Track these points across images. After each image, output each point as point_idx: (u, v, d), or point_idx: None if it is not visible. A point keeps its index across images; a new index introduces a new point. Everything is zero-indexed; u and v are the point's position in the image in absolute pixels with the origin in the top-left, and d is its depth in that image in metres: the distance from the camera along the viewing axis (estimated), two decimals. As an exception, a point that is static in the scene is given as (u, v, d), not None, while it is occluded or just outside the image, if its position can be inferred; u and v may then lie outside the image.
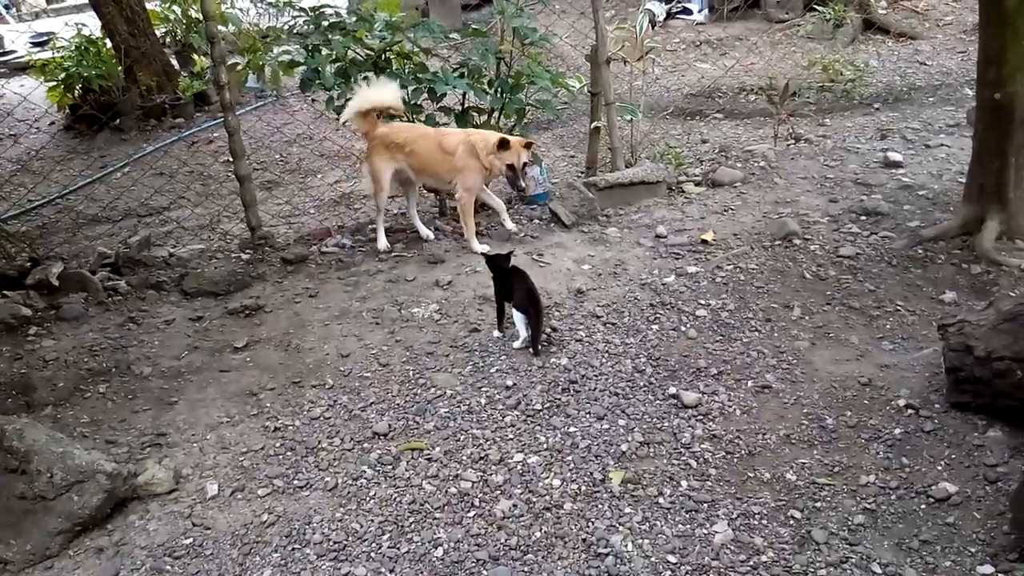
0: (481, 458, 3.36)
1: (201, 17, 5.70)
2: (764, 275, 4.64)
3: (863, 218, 5.18)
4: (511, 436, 3.48)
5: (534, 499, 3.13)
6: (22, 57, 11.32)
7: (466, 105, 5.99)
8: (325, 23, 5.62)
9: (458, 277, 4.83)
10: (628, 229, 5.37)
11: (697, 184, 6.04)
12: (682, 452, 3.34)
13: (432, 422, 3.61)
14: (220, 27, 5.85)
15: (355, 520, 3.10)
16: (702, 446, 3.36)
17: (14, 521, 3.05)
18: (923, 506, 2.95)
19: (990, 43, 4.56)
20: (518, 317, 4.05)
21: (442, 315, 4.48)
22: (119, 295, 4.98)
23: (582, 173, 6.49)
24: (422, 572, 2.85)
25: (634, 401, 3.66)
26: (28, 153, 8.32)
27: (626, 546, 2.88)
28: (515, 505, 3.10)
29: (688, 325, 4.22)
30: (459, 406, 3.70)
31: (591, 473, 3.24)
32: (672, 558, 2.83)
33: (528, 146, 5.01)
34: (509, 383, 3.82)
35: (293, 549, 2.99)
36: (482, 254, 4.38)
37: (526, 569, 2.83)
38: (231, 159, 5.69)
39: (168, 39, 10.25)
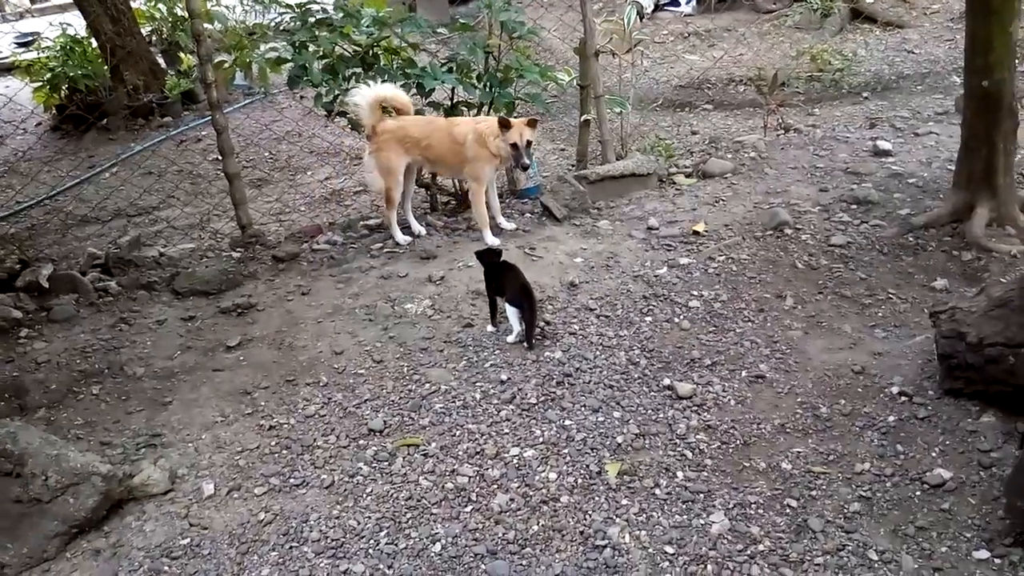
0: (477, 453, 3.36)
1: (187, 15, 5.65)
2: (756, 265, 4.65)
3: (854, 207, 5.20)
4: (507, 430, 3.48)
5: (531, 493, 3.13)
6: (7, 58, 11.21)
7: (455, 100, 5.98)
8: (312, 19, 5.58)
9: (450, 272, 4.82)
10: (620, 221, 5.37)
11: (688, 175, 6.04)
12: (677, 443, 3.35)
13: (427, 418, 3.61)
14: (206, 25, 5.82)
15: (352, 517, 3.10)
16: (697, 437, 3.37)
17: (10, 525, 3.03)
18: (918, 493, 2.97)
19: (977, 31, 4.58)
20: (511, 311, 4.04)
21: (435, 311, 4.47)
22: (110, 296, 4.96)
23: (572, 166, 6.48)
24: (420, 568, 2.85)
25: (629, 393, 3.66)
26: (15, 155, 8.27)
27: (623, 538, 2.89)
28: (512, 499, 3.10)
29: (681, 316, 4.23)
30: (454, 401, 3.70)
31: (587, 466, 3.24)
32: (670, 549, 2.84)
33: (532, 124, 4.99)
34: (504, 377, 3.82)
35: (291, 547, 2.98)
36: (475, 253, 4.37)
37: (524, 563, 2.83)
38: (220, 157, 5.66)
39: (154, 38, 10.18)
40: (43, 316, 4.76)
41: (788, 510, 2.97)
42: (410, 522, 3.05)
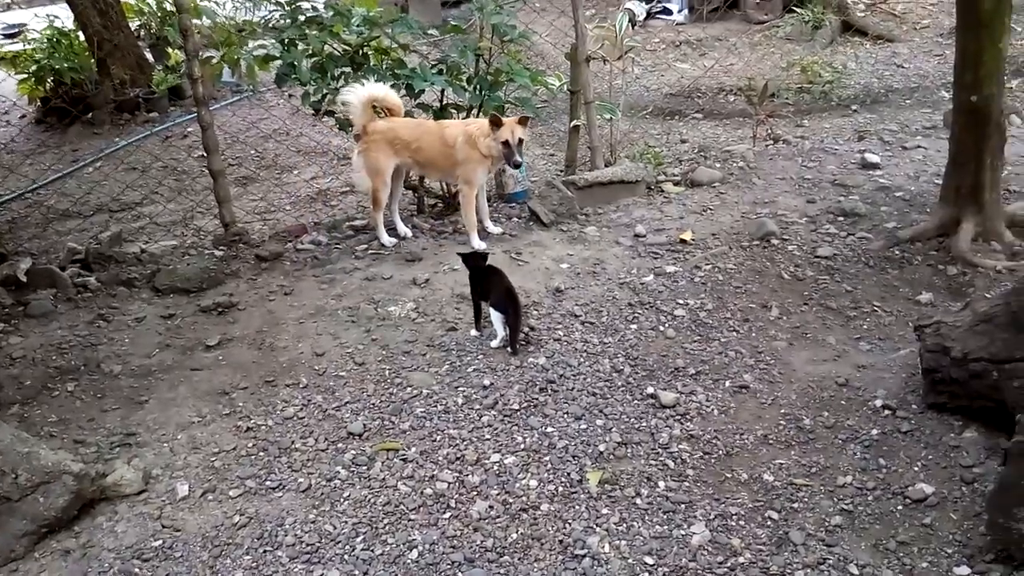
0: (457, 458, 3.32)
1: (175, 10, 5.60)
2: (742, 275, 4.63)
3: (840, 219, 5.20)
4: (488, 436, 3.44)
5: (511, 500, 3.09)
6: (-8, 49, 11.11)
7: (444, 102, 5.94)
8: (302, 17, 5.54)
9: (435, 275, 4.78)
10: (607, 228, 5.35)
11: (676, 184, 6.03)
12: (660, 452, 3.32)
13: (408, 422, 3.57)
14: (195, 20, 5.76)
15: (328, 522, 3.05)
16: (680, 446, 3.35)
17: (-23, 523, 2.97)
18: (900, 507, 2.95)
19: (967, 46, 4.59)
20: (496, 316, 4.01)
21: (419, 313, 4.43)
22: (89, 292, 4.88)
23: (561, 172, 6.46)
24: (396, 574, 2.80)
25: (612, 401, 3.63)
26: (-3, 146, 8.17)
27: (603, 547, 2.86)
28: (491, 506, 3.06)
29: (666, 325, 4.21)
30: (435, 406, 3.66)
31: (568, 474, 3.21)
32: (649, 559, 2.80)
33: (523, 122, 4.95)
34: (486, 382, 3.78)
35: (265, 551, 2.93)
36: (458, 254, 4.33)
37: (502, 571, 2.79)
38: (205, 154, 5.60)
39: (142, 32, 10.10)
40: (20, 311, 4.68)
41: (769, 522, 2.95)
42: (387, 528, 3.00)
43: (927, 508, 2.92)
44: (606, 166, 6.09)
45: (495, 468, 3.26)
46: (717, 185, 5.92)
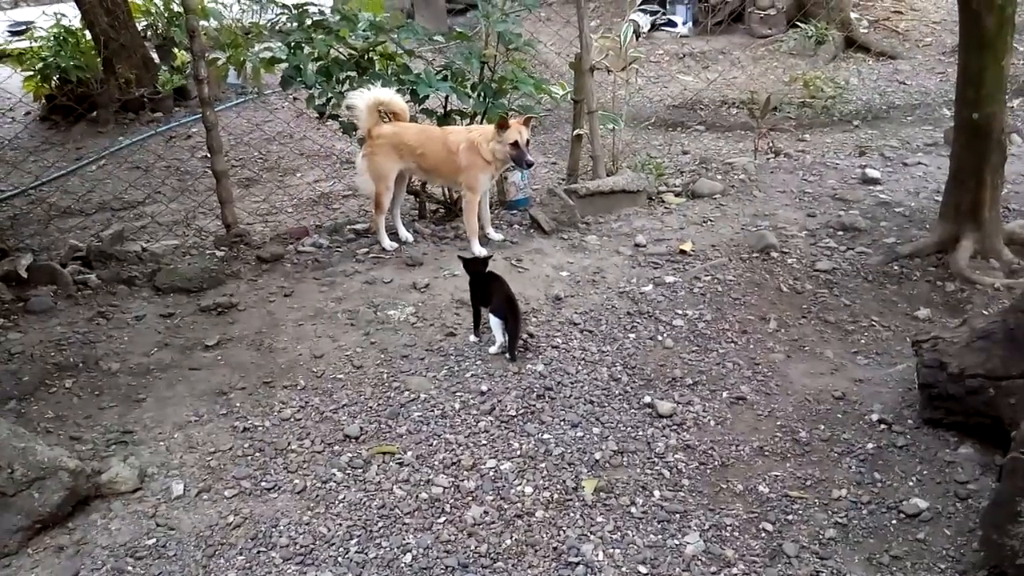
0: (453, 463, 3.33)
1: (182, 11, 5.63)
2: (741, 287, 4.64)
3: (840, 233, 5.21)
4: (484, 442, 3.44)
5: (505, 506, 3.09)
6: (-1, 46, 11.14)
7: (448, 108, 5.97)
8: (308, 21, 5.57)
9: (435, 280, 4.79)
10: (607, 237, 5.37)
11: (677, 195, 6.05)
12: (656, 462, 3.32)
13: (405, 426, 3.57)
14: (201, 21, 5.79)
15: (323, 524, 3.05)
16: (676, 456, 3.35)
17: (-29, 517, 2.97)
18: (894, 521, 2.96)
19: (969, 64, 4.61)
20: (495, 322, 4.02)
21: (418, 318, 4.43)
22: (89, 289, 4.89)
23: (563, 180, 6.48)
24: (390, 578, 2.80)
25: (609, 409, 3.64)
26: (1, 142, 8.17)
27: (597, 555, 2.86)
28: (486, 512, 3.06)
29: (665, 335, 4.21)
30: (433, 410, 3.66)
31: (564, 481, 3.21)
32: (643, 569, 2.81)
33: (527, 122, 4.97)
34: (484, 388, 3.78)
35: (259, 552, 2.93)
36: (459, 257, 4.34)
37: (495, 577, 2.79)
38: (208, 155, 5.61)
39: (149, 32, 10.14)
40: (20, 307, 4.68)
41: (763, 534, 2.95)
42: (382, 531, 3.00)
43: (921, 523, 2.93)
44: (608, 175, 6.10)
45: (491, 474, 3.26)
46: (718, 197, 5.94)
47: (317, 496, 3.19)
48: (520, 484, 3.20)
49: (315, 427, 3.60)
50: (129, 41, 9.09)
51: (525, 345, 4.10)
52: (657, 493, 3.15)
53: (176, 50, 9.74)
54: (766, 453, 3.37)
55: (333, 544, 2.95)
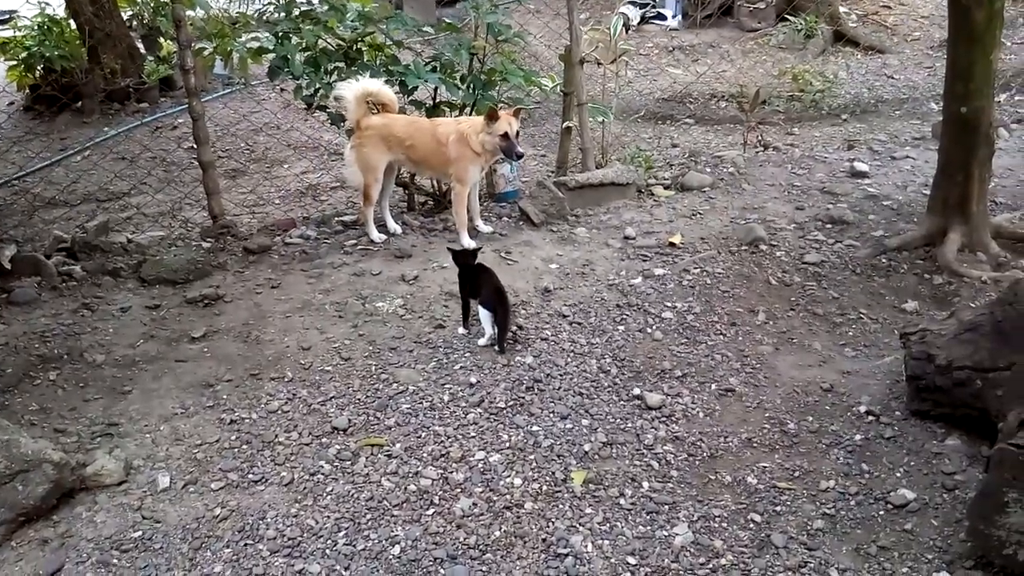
0: (442, 455, 3.31)
1: (168, 0, 5.57)
2: (730, 279, 4.65)
3: (828, 226, 5.22)
4: (473, 434, 3.43)
5: (494, 498, 3.08)
6: (-18, 35, 11.00)
7: (437, 100, 5.94)
8: (296, 11, 5.52)
9: (424, 272, 4.77)
10: (597, 230, 5.36)
11: (666, 187, 6.05)
12: (644, 453, 3.32)
13: (393, 418, 3.55)
14: (188, 11, 5.73)
15: (311, 516, 3.03)
16: (664, 448, 3.35)
17: (-47, 510, 2.93)
18: (881, 512, 2.96)
19: (958, 58, 4.62)
20: (484, 314, 4.00)
21: (407, 310, 4.42)
22: (74, 280, 4.84)
23: (552, 172, 6.46)
24: (378, 570, 2.79)
25: (598, 401, 3.63)
26: (-16, 133, 8.09)
27: (586, 547, 2.86)
28: (475, 504, 3.05)
29: (654, 327, 4.21)
30: (421, 402, 3.65)
31: (553, 473, 3.21)
32: (632, 560, 2.80)
33: (517, 113, 4.95)
34: (473, 380, 3.77)
35: (246, 544, 2.91)
36: (448, 249, 4.32)
37: (484, 568, 2.78)
38: (195, 145, 5.57)
39: (135, 22, 10.03)
40: (3, 298, 4.63)
41: (752, 525, 2.95)
42: (370, 523, 2.99)
43: (908, 514, 2.94)
44: (597, 168, 6.09)
45: (480, 466, 3.25)
46: (707, 190, 5.94)
47: (305, 488, 3.17)
48: (509, 476, 3.19)
49: (303, 419, 3.58)
50: (114, 30, 8.98)
51: (514, 337, 4.09)
52: (646, 484, 3.15)
53: (162, 40, 9.65)
54: (754, 444, 3.37)
55: (321, 536, 2.94)
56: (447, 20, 5.89)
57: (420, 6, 11.05)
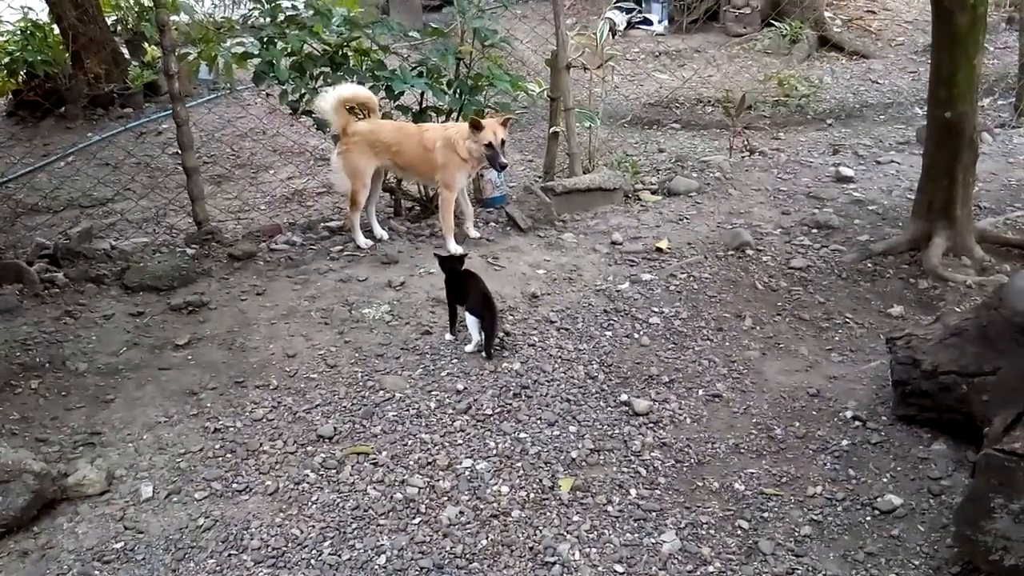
0: (428, 463, 3.29)
1: (152, 5, 5.53)
2: (717, 284, 4.65)
3: (814, 231, 5.24)
4: (460, 441, 3.41)
5: (481, 506, 3.06)
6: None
7: (424, 105, 5.92)
8: (281, 16, 5.49)
9: (411, 278, 4.74)
10: (584, 235, 5.35)
11: (653, 192, 6.05)
12: (632, 460, 3.31)
13: (379, 426, 3.53)
14: (172, 16, 5.70)
15: (296, 526, 3.00)
16: (652, 454, 3.34)
17: (-69, 522, 2.89)
18: (868, 518, 2.96)
19: (942, 64, 4.64)
20: (471, 321, 3.98)
21: (393, 316, 4.39)
22: (56, 287, 4.79)
23: (539, 178, 6.46)
24: (364, 580, 2.76)
25: (585, 408, 3.62)
26: (-34, 139, 8.03)
27: (573, 555, 2.84)
28: (462, 512, 3.03)
29: (641, 332, 4.21)
30: (408, 410, 3.62)
31: (540, 480, 3.19)
32: (619, 568, 2.79)
33: (504, 123, 4.93)
34: (460, 387, 3.75)
35: (230, 555, 2.88)
36: (435, 255, 4.30)
37: (471, 578, 2.76)
38: (179, 151, 5.53)
39: (119, 27, 9.99)
40: (-16, 306, 4.58)
41: (739, 531, 2.94)
42: (355, 532, 2.96)
43: (895, 519, 2.94)
44: (584, 173, 6.09)
45: (466, 473, 3.23)
46: (694, 195, 5.94)
47: (289, 497, 3.14)
48: (496, 483, 3.17)
49: (288, 427, 3.55)
50: (98, 35, 8.94)
51: (501, 343, 4.08)
52: (633, 491, 3.14)
53: (146, 45, 9.61)
54: (742, 450, 3.37)
55: (306, 546, 2.91)
56: (433, 25, 5.88)
57: (406, 10, 11.05)
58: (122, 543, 2.94)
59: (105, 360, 4.11)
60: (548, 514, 3.03)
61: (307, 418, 3.60)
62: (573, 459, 3.30)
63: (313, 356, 4.07)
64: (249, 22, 5.71)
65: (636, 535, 2.93)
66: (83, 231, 5.40)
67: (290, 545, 2.91)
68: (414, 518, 3.02)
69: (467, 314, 4.01)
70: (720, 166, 6.40)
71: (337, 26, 5.49)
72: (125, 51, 9.69)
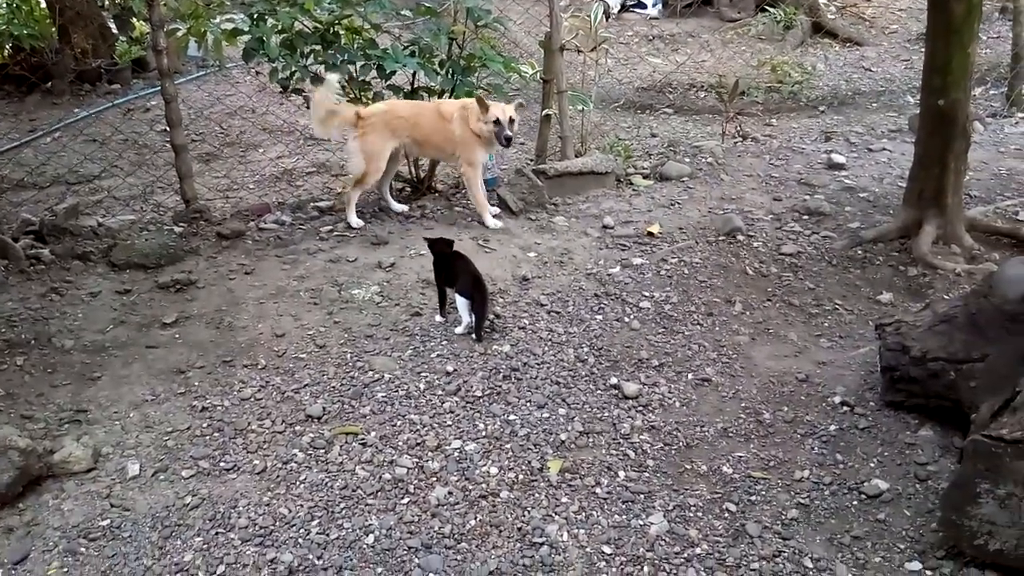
0: (417, 444, 3.28)
1: (141, -22, 5.46)
2: (708, 269, 4.65)
3: (805, 217, 5.24)
4: (449, 422, 3.41)
5: (470, 487, 3.06)
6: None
7: (416, 85, 5.87)
8: (272, -8, 5.42)
9: (401, 259, 4.72)
10: (575, 219, 5.34)
11: (645, 177, 6.04)
12: (621, 443, 3.31)
13: (368, 406, 3.52)
14: (161, -10, 5.61)
15: (283, 505, 2.99)
16: (641, 437, 3.34)
17: (-85, 498, 2.86)
18: (855, 502, 2.98)
19: (936, 51, 4.64)
20: (461, 303, 3.97)
21: (383, 297, 4.37)
22: (42, 264, 4.74)
23: (531, 161, 6.43)
24: (351, 559, 2.76)
25: (575, 390, 3.62)
26: (-50, 113, 7.91)
27: (561, 536, 2.84)
28: (450, 492, 3.03)
29: (632, 316, 4.20)
30: (397, 391, 3.61)
31: (529, 462, 3.19)
32: (607, 549, 2.80)
33: (518, 107, 4.96)
34: (450, 369, 3.74)
35: (217, 533, 2.87)
36: (424, 238, 4.27)
37: (459, 558, 2.76)
38: (167, 128, 5.46)
39: (106, 2, 9.84)
40: (-32, 281, 4.53)
41: (727, 514, 2.95)
42: (344, 512, 2.96)
43: (882, 504, 2.95)
44: (577, 157, 6.07)
45: (455, 454, 3.23)
46: (685, 180, 5.93)
47: (278, 477, 3.13)
48: (485, 465, 3.17)
49: (276, 407, 3.53)
50: (85, 10, 8.82)
51: (491, 326, 4.07)
52: (622, 474, 3.15)
53: (134, 20, 9.47)
54: (730, 434, 3.38)
55: (294, 525, 2.90)
56: (426, 4, 5.80)
57: (399, -10, 10.92)
58: (108, 520, 2.92)
59: (91, 337, 4.08)
60: (537, 495, 3.03)
61: (296, 398, 3.59)
62: (562, 441, 3.30)
63: (302, 336, 4.04)
64: (239, -2, 5.64)
65: (624, 517, 2.94)
66: (69, 208, 5.33)
67: (278, 524, 2.90)
68: (403, 498, 3.02)
69: (457, 296, 3.99)
70: (712, 151, 6.39)
71: (328, 3, 5.42)
72: (113, 26, 9.56)
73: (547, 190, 5.57)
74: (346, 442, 3.31)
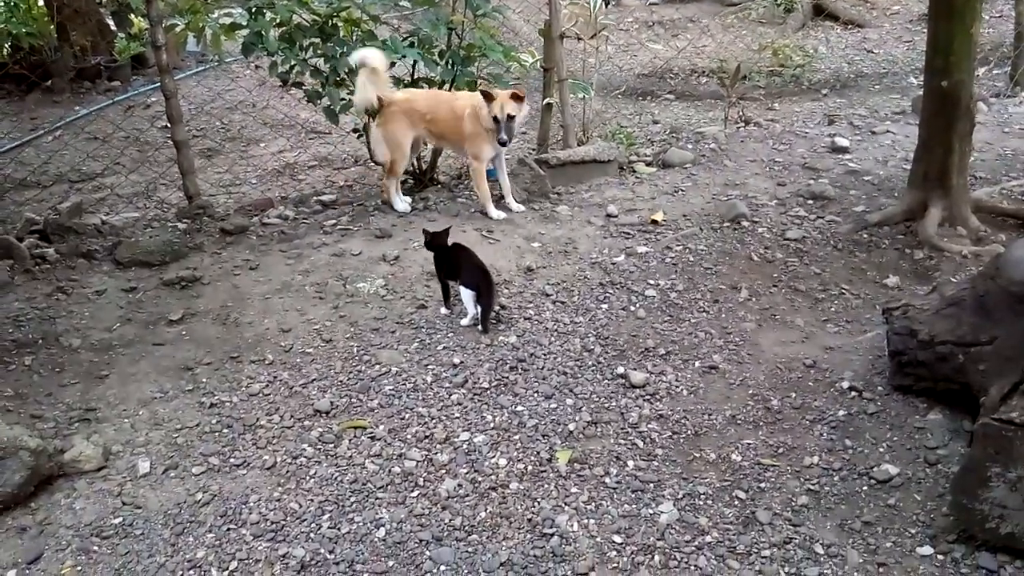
0: (426, 437, 3.29)
1: (138, -26, 5.44)
2: (713, 256, 4.64)
3: (810, 202, 5.22)
4: (457, 415, 3.41)
5: (479, 479, 3.07)
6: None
7: (415, 76, 5.85)
8: (270, -15, 5.40)
9: (405, 252, 4.72)
10: (579, 207, 5.32)
11: (648, 164, 6.02)
12: (629, 432, 3.31)
13: (376, 400, 3.52)
14: (159, -15, 5.58)
15: (294, 500, 3.00)
16: (649, 426, 3.34)
17: (-73, 500, 2.88)
18: (865, 488, 2.98)
19: (938, 32, 4.60)
20: (466, 294, 3.97)
21: (388, 290, 4.37)
22: (47, 263, 4.75)
23: (533, 150, 6.42)
24: (363, 553, 2.77)
25: (582, 380, 3.62)
26: (-49, 113, 7.91)
27: (572, 526, 2.85)
28: (460, 485, 3.04)
29: (637, 305, 4.20)
30: (404, 384, 3.62)
31: (538, 452, 3.19)
32: (617, 538, 2.80)
33: (515, 97, 4.87)
34: (456, 361, 3.74)
35: (228, 529, 2.88)
36: (424, 231, 4.27)
37: (470, 550, 2.77)
38: (168, 124, 5.46)
39: (104, -2, 9.82)
40: (-26, 282, 4.53)
41: (737, 502, 2.96)
42: (354, 506, 2.97)
43: (892, 489, 2.95)
44: (579, 145, 6.05)
45: (464, 447, 3.23)
46: (688, 166, 5.91)
47: (287, 472, 3.14)
48: (494, 456, 3.17)
49: (284, 402, 3.54)
50: (83, 7, 8.80)
51: (497, 317, 4.06)
52: (631, 463, 3.15)
53: (133, 16, 9.44)
54: (738, 421, 3.38)
55: (304, 520, 2.91)
56: (425, -5, 5.80)
57: (397, -19, 10.87)
58: (120, 518, 2.93)
59: (99, 336, 4.09)
60: (546, 486, 3.03)
61: (304, 393, 3.59)
62: (570, 431, 3.30)
63: (308, 331, 4.05)
64: (237, -8, 5.62)
65: (634, 506, 2.94)
66: (73, 206, 5.34)
67: (289, 519, 2.91)
68: (412, 491, 3.02)
69: (461, 288, 3.99)
70: (715, 137, 6.37)
71: (327, -5, 5.40)
72: (111, 22, 9.54)
73: (550, 179, 5.56)
74: (355, 436, 3.31)
